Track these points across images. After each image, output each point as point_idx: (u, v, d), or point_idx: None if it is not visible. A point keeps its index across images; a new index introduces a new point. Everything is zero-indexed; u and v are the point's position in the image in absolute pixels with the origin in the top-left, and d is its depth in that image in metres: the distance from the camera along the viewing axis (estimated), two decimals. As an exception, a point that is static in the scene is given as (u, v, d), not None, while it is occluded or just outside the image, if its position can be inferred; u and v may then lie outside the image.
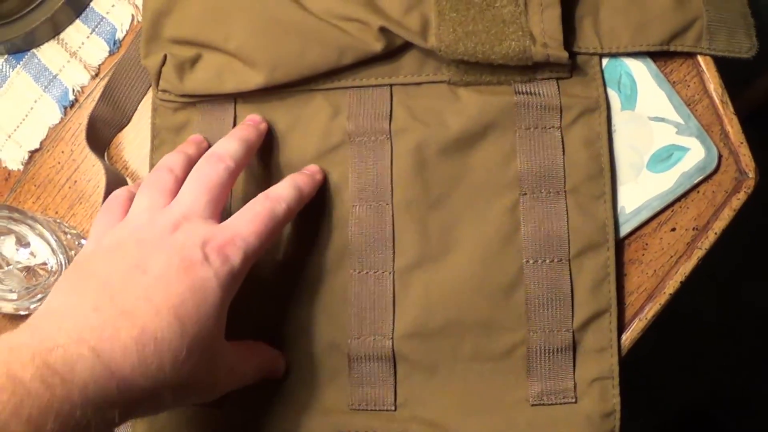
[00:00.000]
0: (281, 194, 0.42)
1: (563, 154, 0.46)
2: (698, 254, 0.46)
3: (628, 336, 0.46)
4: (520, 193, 0.46)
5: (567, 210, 0.45)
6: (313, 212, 0.47)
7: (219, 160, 0.41)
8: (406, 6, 0.45)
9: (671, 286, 0.46)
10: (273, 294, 0.47)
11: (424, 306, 0.45)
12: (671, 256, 0.47)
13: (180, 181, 0.41)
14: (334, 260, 0.46)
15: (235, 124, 0.48)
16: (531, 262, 0.45)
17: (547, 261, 0.45)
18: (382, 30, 0.45)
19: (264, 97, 0.48)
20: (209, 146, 0.45)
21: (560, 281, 0.45)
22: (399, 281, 0.46)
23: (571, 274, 0.45)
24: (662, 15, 0.46)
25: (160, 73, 0.48)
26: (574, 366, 0.45)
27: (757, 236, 1.00)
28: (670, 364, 1.03)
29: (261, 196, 0.41)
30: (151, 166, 0.48)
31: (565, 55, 0.44)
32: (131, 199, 0.42)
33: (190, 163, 0.43)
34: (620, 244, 0.46)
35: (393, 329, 0.46)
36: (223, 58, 0.47)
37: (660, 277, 0.47)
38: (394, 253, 0.46)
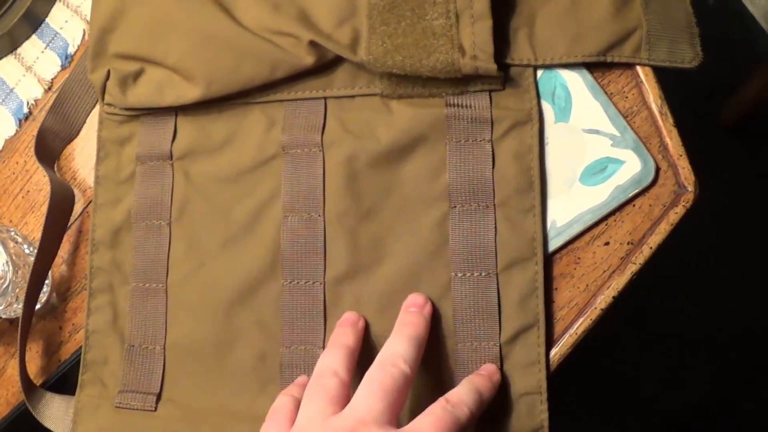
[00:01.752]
0: (462, 398, 0.40)
1: (493, 167, 0.46)
2: (632, 269, 0.46)
3: (558, 351, 0.46)
4: (450, 206, 0.46)
5: (495, 223, 0.45)
6: (247, 224, 0.47)
7: (392, 364, 0.40)
8: (337, 19, 0.46)
9: (603, 300, 0.46)
10: (207, 304, 0.47)
11: None
12: (604, 271, 0.46)
13: (347, 385, 0.40)
14: (266, 271, 0.47)
15: (175, 137, 0.49)
16: (459, 275, 0.45)
17: (475, 274, 0.45)
18: (313, 44, 0.45)
19: (203, 110, 0.49)
20: (365, 324, 0.46)
21: (487, 294, 0.45)
22: (330, 292, 0.46)
23: (498, 287, 0.45)
24: (599, 26, 0.45)
25: (105, 87, 0.49)
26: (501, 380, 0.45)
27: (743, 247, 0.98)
28: (651, 378, 1.02)
29: (442, 400, 0.39)
30: (97, 177, 0.50)
31: (494, 67, 0.44)
32: (297, 405, 0.41)
33: (353, 357, 0.42)
34: (551, 257, 0.46)
35: (324, 339, 0.46)
36: (163, 72, 0.48)
37: (592, 291, 0.46)
38: (325, 263, 0.46)
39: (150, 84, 0.48)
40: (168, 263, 0.48)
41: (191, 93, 0.47)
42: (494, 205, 0.45)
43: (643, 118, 0.47)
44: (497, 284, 0.45)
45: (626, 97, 0.47)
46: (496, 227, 0.45)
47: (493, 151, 0.46)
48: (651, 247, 0.46)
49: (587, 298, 0.46)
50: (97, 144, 0.50)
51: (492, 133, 0.46)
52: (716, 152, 0.84)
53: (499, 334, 0.45)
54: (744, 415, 1.02)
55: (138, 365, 0.48)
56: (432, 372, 0.45)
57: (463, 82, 0.46)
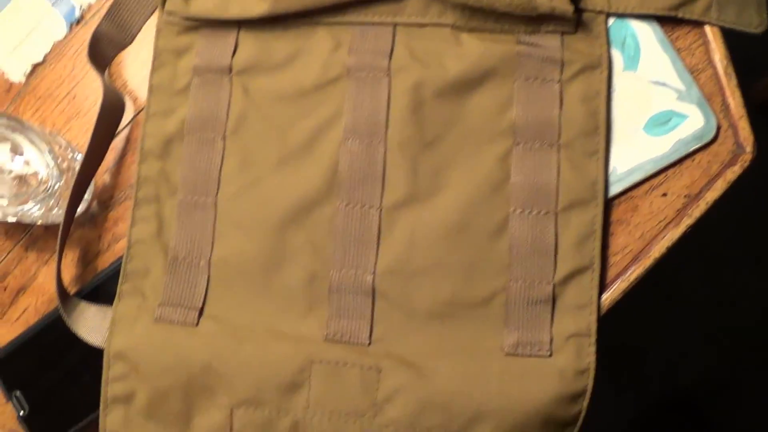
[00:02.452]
0: None
1: (560, 107, 0.45)
2: (687, 222, 0.46)
3: (609, 296, 0.46)
4: (514, 142, 0.45)
5: (558, 163, 0.45)
6: (306, 144, 0.47)
7: None
8: None
9: (657, 250, 0.46)
10: (258, 221, 0.46)
11: (408, 245, 0.45)
12: (660, 221, 0.46)
13: None
14: (322, 192, 0.46)
15: (235, 51, 0.48)
16: (518, 211, 0.45)
17: (534, 212, 0.45)
18: None
19: (267, 26, 0.48)
20: None
21: (545, 233, 0.45)
22: (385, 218, 0.46)
23: (556, 227, 0.45)
24: None
25: None
26: (552, 320, 0.44)
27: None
28: (656, 351, 1.03)
29: None
30: (150, 86, 0.49)
31: (570, 9, 0.44)
32: None
33: None
34: (609, 203, 0.46)
35: (375, 265, 0.46)
36: None
37: (647, 240, 0.46)
38: (383, 189, 0.46)
39: None
40: (219, 178, 0.47)
41: (257, 7, 0.46)
42: (559, 145, 0.45)
43: (707, 77, 0.47)
44: (555, 224, 0.45)
45: (693, 54, 0.47)
46: (558, 167, 0.45)
47: (561, 92, 0.46)
48: (707, 203, 0.46)
49: (641, 246, 0.46)
50: (153, 53, 0.49)
51: (561, 74, 0.46)
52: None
53: (554, 274, 0.44)
54: (749, 389, 1.03)
55: (181, 279, 0.47)
56: (481, 311, 0.45)
57: (536, 21, 0.46)
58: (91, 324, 0.47)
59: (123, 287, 0.47)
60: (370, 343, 0.45)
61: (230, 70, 0.48)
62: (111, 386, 0.46)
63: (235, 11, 0.47)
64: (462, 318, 0.45)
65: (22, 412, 0.51)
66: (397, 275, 0.45)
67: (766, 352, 1.03)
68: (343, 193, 0.46)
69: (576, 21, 0.46)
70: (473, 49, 0.46)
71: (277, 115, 0.47)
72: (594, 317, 0.44)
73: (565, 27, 0.46)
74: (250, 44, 0.48)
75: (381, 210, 0.46)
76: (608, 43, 0.46)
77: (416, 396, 0.43)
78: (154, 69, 0.49)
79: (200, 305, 0.46)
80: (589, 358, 0.44)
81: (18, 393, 0.51)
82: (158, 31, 0.49)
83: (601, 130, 0.45)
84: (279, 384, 0.44)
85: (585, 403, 0.44)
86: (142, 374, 0.45)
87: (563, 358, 0.44)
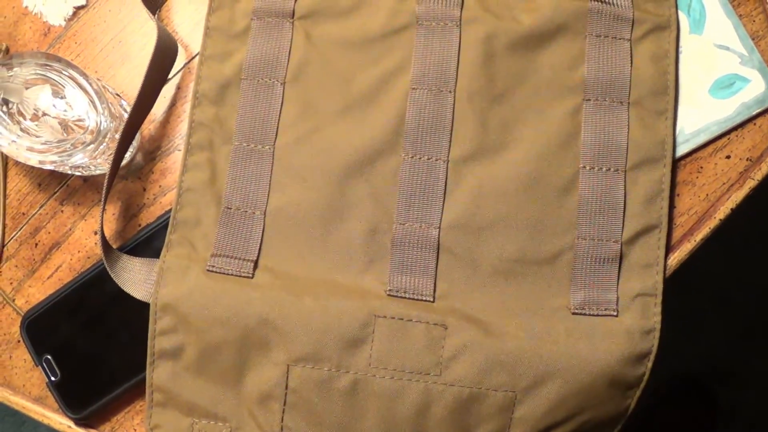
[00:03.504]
0: None
1: (631, 65, 0.45)
2: (750, 184, 0.46)
3: (676, 256, 0.45)
4: (584, 98, 0.45)
5: (628, 121, 0.45)
6: (370, 93, 0.45)
7: None
8: None
9: (722, 211, 0.46)
10: (318, 171, 0.45)
11: (475, 199, 0.44)
12: (724, 183, 0.46)
13: None
14: (387, 143, 0.45)
15: None
16: (587, 168, 0.44)
17: (604, 169, 0.44)
18: None
19: None
20: None
21: (614, 191, 0.44)
22: (452, 171, 0.45)
23: (625, 185, 0.44)
24: None
25: None
26: (619, 279, 0.44)
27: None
28: (670, 325, 1.03)
29: None
30: (207, 29, 0.46)
31: None
32: None
33: None
34: (676, 163, 0.46)
35: (441, 219, 0.44)
36: None
37: (711, 201, 0.46)
38: (450, 141, 0.45)
39: None
40: (278, 125, 0.46)
41: None
42: (628, 103, 0.45)
43: (767, 43, 0.47)
44: (624, 181, 0.44)
45: (753, 21, 0.48)
46: (628, 125, 0.45)
47: (631, 50, 0.45)
48: (769, 166, 0.46)
49: (706, 207, 0.46)
50: (210, -5, 0.47)
51: (632, 33, 0.45)
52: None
53: (622, 232, 0.44)
54: (758, 373, 1.04)
55: (234, 229, 0.45)
56: (548, 269, 0.44)
57: None
58: (136, 277, 0.44)
59: (172, 237, 0.45)
60: (434, 300, 0.44)
61: (293, 14, 0.46)
62: (158, 340, 0.44)
63: None
64: (528, 276, 0.44)
65: (53, 378, 0.48)
66: (463, 230, 0.44)
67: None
68: (409, 144, 0.45)
69: None
70: (546, 3, 0.45)
71: (341, 63, 0.46)
72: (660, 277, 0.44)
73: None
74: None
75: (448, 162, 0.45)
76: (676, 5, 0.46)
77: (483, 354, 0.42)
78: (212, 11, 0.47)
79: (255, 257, 0.44)
80: (656, 318, 0.44)
81: (48, 357, 0.48)
82: (215, -26, 0.47)
83: (670, 90, 0.45)
84: (340, 339, 0.42)
85: (650, 364, 0.43)
86: (192, 327, 0.43)
87: (629, 318, 0.43)
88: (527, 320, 0.43)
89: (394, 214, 0.44)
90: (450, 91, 0.45)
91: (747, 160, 0.47)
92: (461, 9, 0.46)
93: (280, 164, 0.45)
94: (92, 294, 0.48)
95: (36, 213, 0.50)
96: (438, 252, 0.44)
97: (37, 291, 0.49)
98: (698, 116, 0.46)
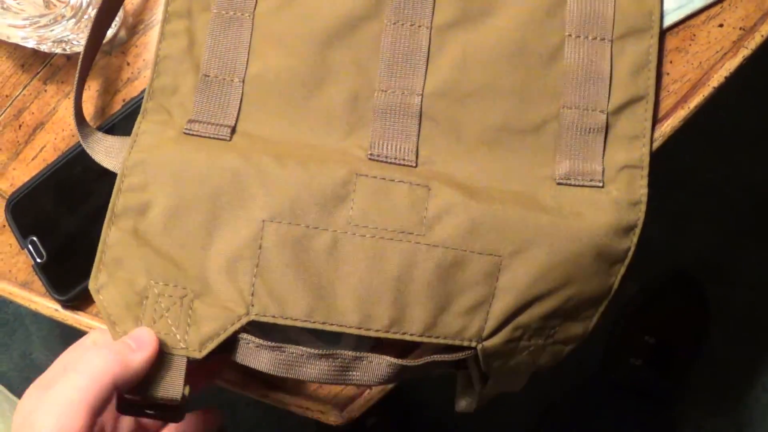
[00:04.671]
0: None
1: None
2: (744, 53, 0.45)
3: (670, 123, 0.45)
4: None
5: None
6: None
7: None
8: None
9: (716, 79, 0.45)
10: (299, 37, 0.44)
11: (459, 66, 0.43)
12: (717, 51, 0.46)
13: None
14: (370, 8, 0.44)
15: None
16: (573, 36, 0.44)
17: (590, 38, 0.44)
18: None
19: None
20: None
21: (600, 60, 0.44)
22: (435, 37, 0.44)
23: (612, 54, 0.44)
24: None
25: None
26: (605, 150, 0.43)
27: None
28: (662, 222, 1.03)
29: None
30: None
31: None
32: None
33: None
34: (668, 31, 0.45)
35: (423, 86, 0.44)
36: None
37: (705, 69, 0.46)
38: (433, 7, 0.44)
39: None
40: None
41: None
42: None
43: None
44: (611, 51, 0.44)
45: None
46: None
47: None
48: (762, 35, 0.46)
49: (700, 75, 0.46)
50: None
51: None
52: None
53: (608, 102, 0.43)
54: (748, 268, 1.04)
55: (213, 96, 0.43)
56: (532, 139, 0.44)
57: None
58: (110, 149, 0.43)
59: (148, 105, 0.43)
60: (416, 165, 0.43)
61: None
62: (123, 196, 0.41)
63: None
64: (512, 145, 0.43)
65: (38, 260, 0.47)
66: (445, 98, 0.43)
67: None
68: (391, 10, 0.44)
69: None
70: None
71: None
72: (647, 149, 0.43)
73: None
74: None
75: (431, 29, 0.44)
76: None
77: (468, 216, 0.41)
78: None
79: (233, 123, 0.43)
80: (642, 190, 0.43)
81: (34, 239, 0.47)
82: None
83: None
84: (321, 196, 0.41)
85: (635, 238, 0.43)
86: (162, 183, 0.41)
87: (615, 189, 0.43)
88: (512, 187, 0.43)
89: (376, 81, 0.44)
90: None
91: (740, 29, 0.46)
92: None
93: (260, 31, 0.44)
94: (76, 173, 0.47)
95: (19, 94, 0.49)
96: (420, 119, 0.43)
97: (22, 173, 0.49)
98: (691, -17, 0.45)
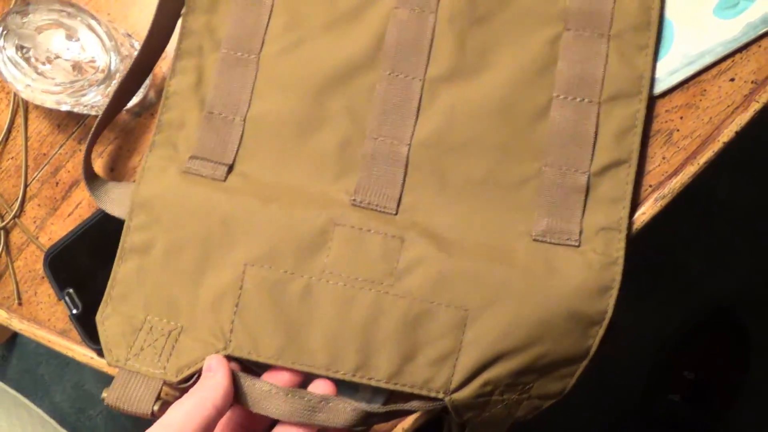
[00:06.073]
0: None
1: None
2: (755, 107, 0.45)
3: (679, 180, 0.45)
4: (564, 28, 0.45)
5: (607, 54, 0.45)
6: (355, 9, 0.46)
7: None
8: None
9: (726, 134, 0.45)
10: (298, 82, 0.46)
11: (447, 119, 0.45)
12: (728, 106, 0.46)
13: None
14: (367, 59, 0.46)
15: None
16: (561, 97, 0.45)
17: (577, 99, 0.44)
18: None
19: None
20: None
21: (586, 122, 0.44)
22: (427, 90, 0.45)
23: (598, 117, 0.44)
24: None
25: None
26: (584, 211, 0.44)
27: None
28: (697, 266, 1.01)
29: None
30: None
31: None
32: None
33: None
34: (674, 89, 0.46)
35: (412, 136, 0.45)
36: None
37: (715, 124, 0.46)
38: (428, 61, 0.45)
39: None
40: (264, 36, 0.47)
41: None
42: (609, 35, 0.45)
43: (774, -36, 0.47)
44: (597, 114, 0.44)
45: (760, -58, 0.47)
46: (607, 58, 0.45)
47: None
48: (775, 88, 0.46)
49: (710, 131, 0.46)
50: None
51: None
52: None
53: (590, 164, 0.44)
54: None
55: (214, 133, 0.46)
56: (513, 194, 0.44)
57: None
58: (115, 197, 0.47)
59: (156, 137, 0.47)
60: (396, 213, 0.44)
61: None
62: (131, 235, 0.45)
63: None
64: (493, 198, 0.44)
65: (74, 311, 0.50)
66: (432, 149, 0.45)
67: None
68: (387, 61, 0.46)
69: None
70: None
71: None
72: (626, 212, 0.44)
73: None
74: None
75: (424, 81, 0.45)
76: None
77: (437, 268, 0.42)
78: None
79: (231, 161, 0.46)
80: (618, 253, 0.43)
81: (70, 291, 0.50)
82: None
83: (653, 26, 0.45)
84: (298, 244, 0.43)
85: (611, 301, 0.42)
86: (163, 224, 0.45)
87: (591, 250, 0.43)
88: (488, 241, 0.44)
89: (367, 129, 0.45)
90: (432, 12, 0.46)
91: (752, 82, 0.46)
92: None
93: (264, 73, 0.47)
94: (109, 228, 0.50)
95: (56, 153, 0.52)
96: (406, 168, 0.45)
97: (59, 228, 0.52)
98: (703, 37, 0.46)
